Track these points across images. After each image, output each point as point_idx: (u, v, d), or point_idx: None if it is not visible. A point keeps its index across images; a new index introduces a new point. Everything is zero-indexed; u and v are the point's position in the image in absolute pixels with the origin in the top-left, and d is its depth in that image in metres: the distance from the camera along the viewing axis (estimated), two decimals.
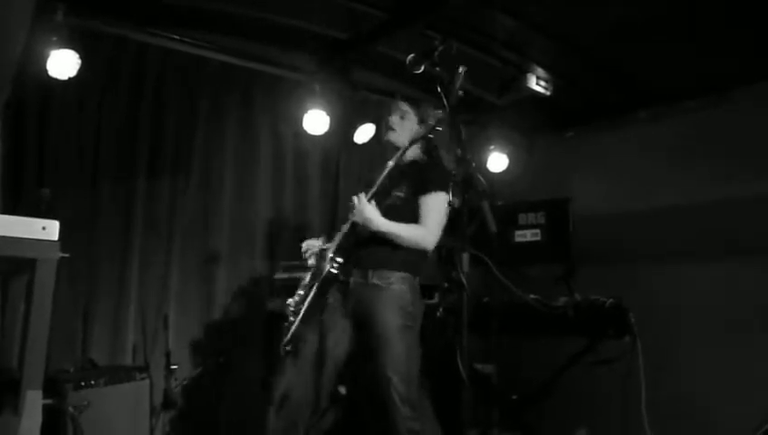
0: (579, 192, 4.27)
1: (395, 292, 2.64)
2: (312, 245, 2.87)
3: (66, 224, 2.32)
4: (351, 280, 2.69)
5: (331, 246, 2.73)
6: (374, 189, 2.65)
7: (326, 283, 2.68)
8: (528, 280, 3.48)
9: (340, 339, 2.70)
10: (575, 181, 4.55)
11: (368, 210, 2.60)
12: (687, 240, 4.06)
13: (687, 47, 3.63)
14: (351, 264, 2.69)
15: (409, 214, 2.69)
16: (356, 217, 2.63)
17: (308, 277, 2.81)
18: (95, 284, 3.55)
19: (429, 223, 2.67)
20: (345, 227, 2.71)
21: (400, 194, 2.71)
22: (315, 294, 2.67)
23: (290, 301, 2.80)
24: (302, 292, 2.78)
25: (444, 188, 2.65)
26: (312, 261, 2.83)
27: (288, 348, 2.68)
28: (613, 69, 4.11)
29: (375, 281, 2.65)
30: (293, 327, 2.68)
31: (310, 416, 2.67)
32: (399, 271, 2.66)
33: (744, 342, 3.68)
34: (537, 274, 3.79)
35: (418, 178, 2.72)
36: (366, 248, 2.68)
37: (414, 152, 2.82)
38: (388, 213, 2.64)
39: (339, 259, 2.67)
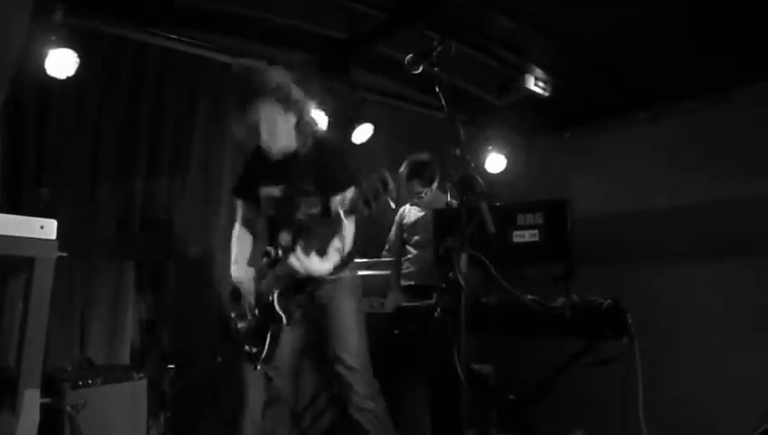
0: (578, 193, 4.28)
1: (348, 279, 2.76)
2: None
3: (65, 223, 2.32)
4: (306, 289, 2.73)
5: (273, 294, 2.66)
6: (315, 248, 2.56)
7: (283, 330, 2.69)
8: (527, 281, 3.47)
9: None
10: (574, 182, 4.55)
11: (313, 266, 2.55)
12: (687, 240, 4.06)
13: (687, 47, 3.63)
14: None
15: (328, 219, 2.58)
16: (300, 274, 2.56)
17: (253, 305, 2.75)
18: (93, 283, 3.55)
19: (346, 231, 2.64)
20: (281, 278, 2.64)
21: (314, 211, 2.61)
22: (273, 337, 2.67)
23: (241, 326, 2.76)
24: (249, 314, 2.74)
25: (354, 181, 2.53)
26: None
27: (259, 367, 2.69)
28: (613, 69, 4.11)
29: (329, 277, 2.70)
30: (262, 359, 2.66)
31: (297, 414, 2.74)
32: (345, 267, 2.75)
33: (743, 342, 3.68)
34: (536, 274, 3.79)
35: (324, 177, 2.61)
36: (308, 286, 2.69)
37: (291, 139, 2.71)
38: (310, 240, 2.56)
39: (282, 301, 2.65)
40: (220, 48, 3.93)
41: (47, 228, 2.19)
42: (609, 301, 3.20)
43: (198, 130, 4.05)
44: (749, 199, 3.82)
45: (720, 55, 3.68)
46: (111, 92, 3.70)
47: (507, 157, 4.83)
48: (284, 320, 2.62)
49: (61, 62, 3.21)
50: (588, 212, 4.23)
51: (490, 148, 4.80)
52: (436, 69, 2.32)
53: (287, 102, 2.63)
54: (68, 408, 2.72)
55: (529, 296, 3.26)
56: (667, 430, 3.35)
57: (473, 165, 2.19)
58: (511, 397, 3.53)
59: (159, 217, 3.85)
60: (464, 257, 2.09)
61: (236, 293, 2.81)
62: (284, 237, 2.61)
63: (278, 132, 2.65)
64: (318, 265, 2.57)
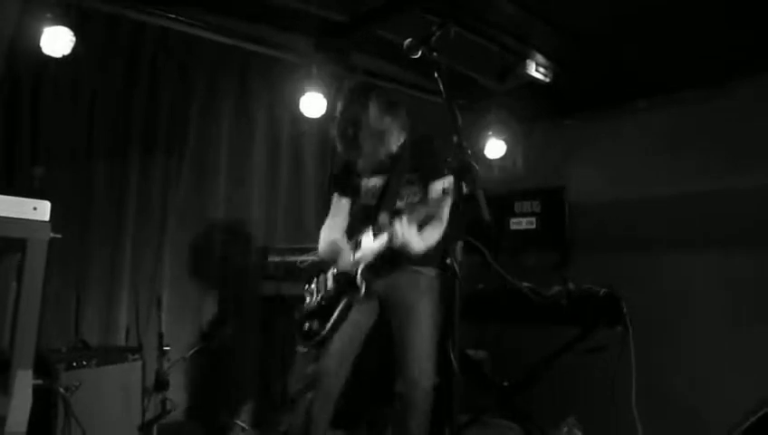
0: (576, 180, 4.26)
1: (428, 278, 2.71)
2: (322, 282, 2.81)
3: (60, 203, 2.31)
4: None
5: (359, 265, 2.66)
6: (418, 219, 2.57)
7: (355, 302, 2.69)
8: (524, 268, 3.48)
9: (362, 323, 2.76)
10: (572, 169, 4.53)
11: (409, 236, 2.53)
12: (684, 230, 4.06)
13: (688, 36, 3.59)
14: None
15: (427, 206, 2.66)
16: (397, 243, 2.55)
17: (330, 282, 2.76)
18: (88, 264, 3.54)
19: (443, 214, 2.66)
20: (377, 247, 2.63)
21: (414, 199, 2.69)
22: (342, 310, 2.68)
23: (308, 301, 2.80)
24: (321, 292, 2.78)
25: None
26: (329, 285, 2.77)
27: (306, 350, 2.69)
28: (613, 57, 4.07)
29: (413, 268, 2.70)
30: (321, 336, 2.68)
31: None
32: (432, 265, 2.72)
33: (738, 332, 3.69)
34: (533, 262, 3.80)
35: (424, 165, 2.70)
36: (396, 262, 2.68)
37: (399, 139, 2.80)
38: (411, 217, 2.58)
39: (369, 276, 2.66)
40: (216, 28, 3.89)
41: (40, 210, 2.18)
42: (604, 289, 3.21)
43: (193, 111, 4.02)
44: (748, 189, 3.81)
45: (721, 45, 3.65)
46: (107, 71, 3.66)
47: (506, 142, 4.80)
48: (362, 290, 2.62)
49: (56, 41, 3.16)
50: (585, 199, 4.22)
51: (489, 133, 4.77)
52: (435, 54, 2.29)
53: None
54: (61, 389, 2.72)
55: (525, 284, 3.27)
56: (659, 416, 3.37)
57: (470, 151, 2.16)
58: (505, 383, 3.55)
59: (155, 198, 3.83)
60: (459, 245, 2.07)
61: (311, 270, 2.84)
62: (384, 218, 2.64)
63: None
64: (416, 237, 2.55)
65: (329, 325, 2.69)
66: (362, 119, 2.67)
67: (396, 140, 2.78)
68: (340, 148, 2.79)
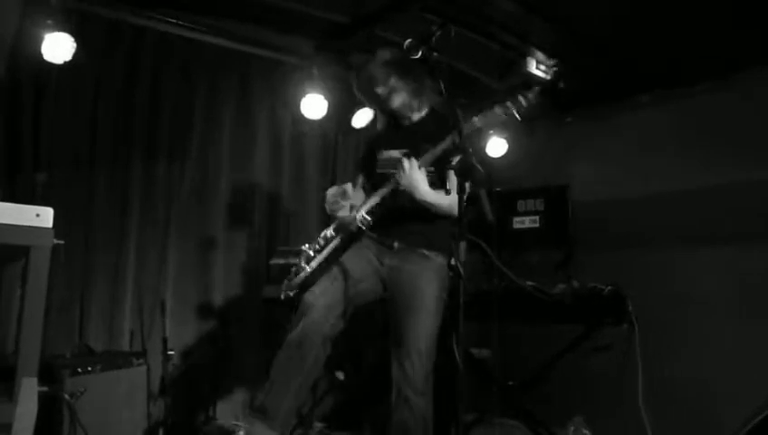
0: (579, 177, 4.25)
1: (436, 263, 2.63)
2: (336, 195, 2.75)
3: (62, 209, 2.31)
4: (396, 245, 2.65)
5: (364, 206, 2.65)
6: (426, 158, 2.54)
7: (350, 238, 2.64)
8: (528, 267, 3.47)
9: (363, 284, 2.65)
10: (575, 166, 4.52)
11: (417, 176, 2.51)
12: (689, 226, 4.04)
13: (690, 31, 3.58)
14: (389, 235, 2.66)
15: (438, 184, 2.64)
16: (402, 181, 2.52)
17: (331, 229, 2.75)
18: (92, 269, 3.53)
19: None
20: (384, 190, 2.62)
21: (432, 169, 2.64)
22: (337, 247, 2.64)
23: (305, 247, 2.75)
24: (321, 241, 2.74)
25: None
26: (338, 212, 2.72)
27: (291, 294, 2.63)
28: (614, 53, 4.06)
29: (423, 251, 2.64)
30: (304, 274, 2.64)
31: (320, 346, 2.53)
32: (440, 252, 2.65)
33: (744, 329, 3.67)
34: (536, 260, 3.78)
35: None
36: (401, 223, 2.64)
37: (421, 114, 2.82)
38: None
39: (369, 218, 2.61)
40: (217, 32, 3.89)
41: (43, 217, 2.17)
42: (609, 287, 3.20)
43: (195, 114, 4.02)
44: (751, 184, 3.80)
45: (723, 40, 3.63)
46: (109, 77, 3.66)
47: (508, 141, 4.79)
48: (354, 224, 2.58)
49: (57, 47, 3.16)
50: (589, 197, 4.21)
51: (491, 131, 4.76)
52: (435, 54, 2.29)
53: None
54: (66, 396, 2.72)
55: (529, 283, 3.26)
56: (666, 415, 3.36)
57: (471, 150, 2.16)
58: (510, 383, 3.54)
59: (158, 202, 3.83)
60: (463, 246, 2.07)
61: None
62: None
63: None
64: (422, 177, 2.52)
65: (316, 261, 2.63)
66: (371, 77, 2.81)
67: (404, 102, 2.78)
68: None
